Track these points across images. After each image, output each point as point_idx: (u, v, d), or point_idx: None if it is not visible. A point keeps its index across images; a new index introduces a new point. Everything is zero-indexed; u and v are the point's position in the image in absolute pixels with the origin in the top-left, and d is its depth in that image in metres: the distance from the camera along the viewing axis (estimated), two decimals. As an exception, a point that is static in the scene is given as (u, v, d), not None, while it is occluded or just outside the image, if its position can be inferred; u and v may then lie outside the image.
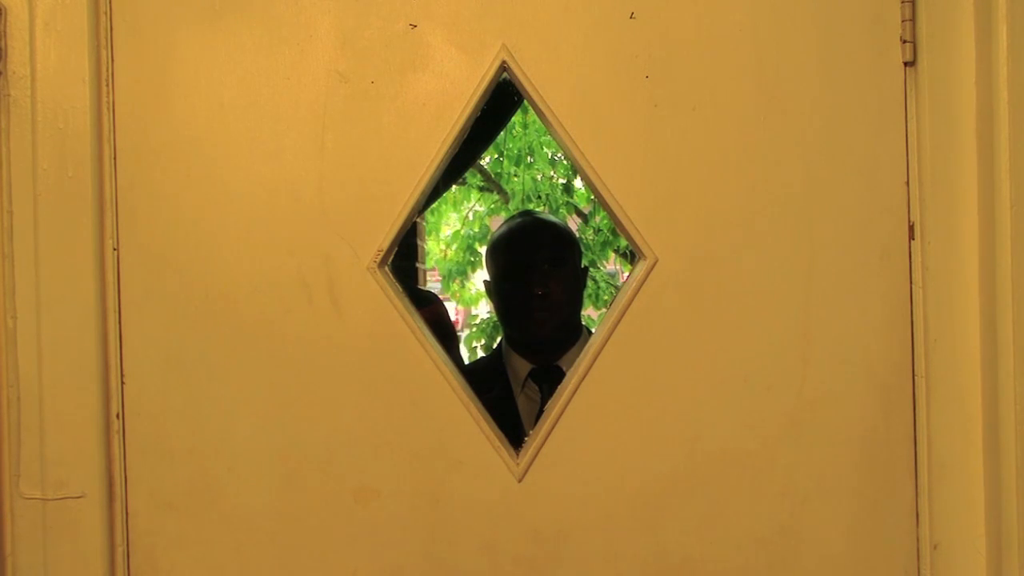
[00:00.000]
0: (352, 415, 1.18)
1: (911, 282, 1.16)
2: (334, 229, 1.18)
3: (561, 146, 1.22)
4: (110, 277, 1.16)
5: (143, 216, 1.17)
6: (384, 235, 1.18)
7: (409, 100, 1.18)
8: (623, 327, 1.18)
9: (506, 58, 1.17)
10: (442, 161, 1.18)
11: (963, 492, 1.14)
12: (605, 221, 5.44)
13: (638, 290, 1.18)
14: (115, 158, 1.17)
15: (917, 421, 1.16)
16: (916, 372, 1.16)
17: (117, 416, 1.17)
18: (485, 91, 1.18)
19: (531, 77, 1.17)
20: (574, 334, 1.90)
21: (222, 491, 1.18)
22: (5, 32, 1.15)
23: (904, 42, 1.15)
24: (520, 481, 1.18)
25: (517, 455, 1.19)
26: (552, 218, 2.08)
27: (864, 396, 1.17)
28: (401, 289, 1.20)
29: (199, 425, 1.18)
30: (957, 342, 1.14)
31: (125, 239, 1.17)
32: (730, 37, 1.17)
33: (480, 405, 1.19)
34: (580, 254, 1.98)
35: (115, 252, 1.17)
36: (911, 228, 1.16)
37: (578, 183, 5.58)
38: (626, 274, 6.11)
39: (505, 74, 1.19)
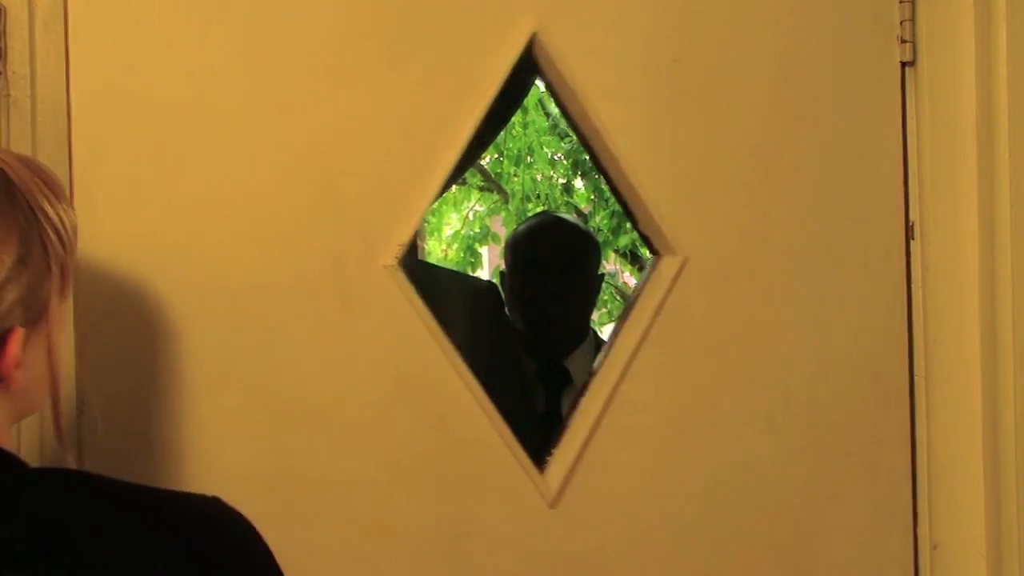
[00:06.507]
0: (365, 436, 1.03)
1: (911, 282, 1.16)
2: (347, 221, 1.03)
3: (582, 135, 1.14)
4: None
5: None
6: (404, 227, 1.04)
7: (432, 79, 1.06)
8: (655, 331, 1.10)
9: (537, 33, 1.07)
10: (466, 142, 1.06)
11: (963, 492, 1.14)
12: (605, 221, 5.42)
13: (670, 290, 1.11)
14: (115, 158, 1.16)
15: (917, 421, 1.16)
16: (916, 372, 1.16)
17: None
18: (512, 71, 1.08)
19: (558, 57, 1.08)
20: (581, 335, 1.92)
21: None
22: (5, 32, 1.14)
23: (903, 42, 1.15)
24: (552, 507, 1.07)
25: (542, 471, 1.08)
26: (577, 221, 2.12)
27: (864, 396, 1.16)
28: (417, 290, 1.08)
29: (183, 454, 0.99)
30: (957, 342, 1.14)
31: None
32: (753, 29, 1.13)
33: (505, 423, 1.07)
34: (599, 261, 2.02)
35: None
36: (911, 228, 1.16)
37: (578, 183, 5.57)
38: (626, 274, 6.10)
39: (532, 52, 1.09)
